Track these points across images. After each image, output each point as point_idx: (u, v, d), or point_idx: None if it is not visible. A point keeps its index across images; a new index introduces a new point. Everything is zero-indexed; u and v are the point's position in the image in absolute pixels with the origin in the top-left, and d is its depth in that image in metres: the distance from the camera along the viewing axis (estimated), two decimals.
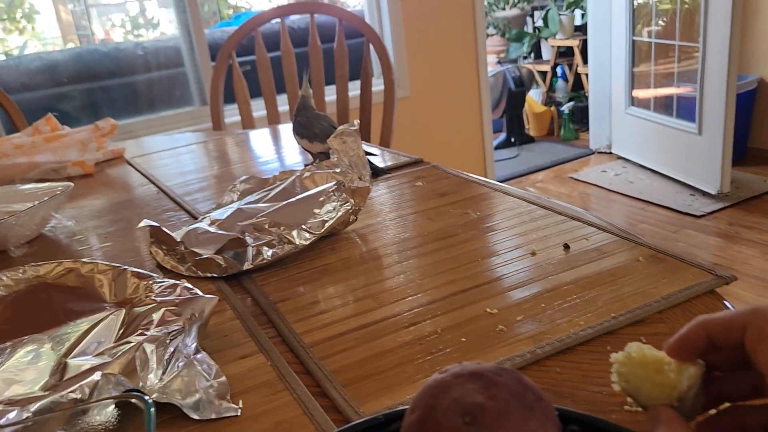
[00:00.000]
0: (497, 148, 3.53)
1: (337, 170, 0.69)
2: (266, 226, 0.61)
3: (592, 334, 0.45)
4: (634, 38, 2.88)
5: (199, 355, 0.45)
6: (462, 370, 0.28)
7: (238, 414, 0.41)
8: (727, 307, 0.47)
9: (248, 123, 1.64)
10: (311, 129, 0.93)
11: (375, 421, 0.31)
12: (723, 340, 0.28)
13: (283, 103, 1.69)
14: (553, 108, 3.77)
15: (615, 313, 0.47)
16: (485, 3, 4.07)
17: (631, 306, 0.47)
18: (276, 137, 1.29)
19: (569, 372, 0.42)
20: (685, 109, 2.62)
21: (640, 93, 2.93)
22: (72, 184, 0.84)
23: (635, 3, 2.84)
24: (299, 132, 0.94)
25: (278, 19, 1.63)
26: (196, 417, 0.41)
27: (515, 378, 0.27)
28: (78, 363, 0.41)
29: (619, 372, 0.30)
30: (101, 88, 2.35)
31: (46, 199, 0.77)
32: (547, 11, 3.78)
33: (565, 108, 3.64)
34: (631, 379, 0.29)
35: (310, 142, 0.93)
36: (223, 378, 0.44)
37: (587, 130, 3.39)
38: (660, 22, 2.73)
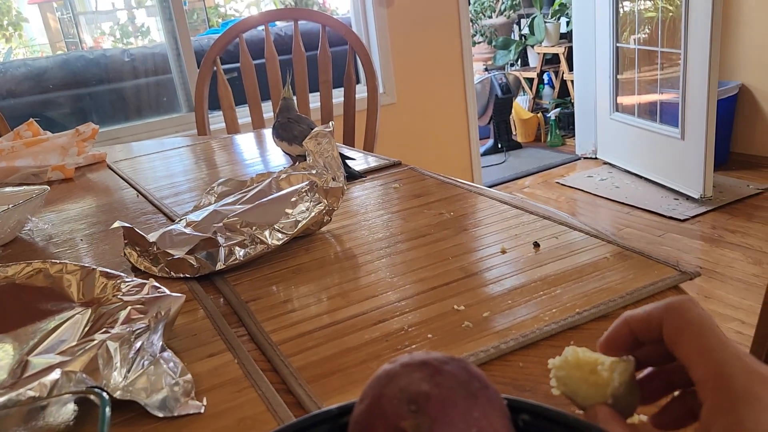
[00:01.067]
0: (485, 154, 3.55)
1: (313, 171, 0.69)
2: (238, 226, 0.61)
3: (556, 329, 0.45)
4: (618, 45, 2.92)
5: (165, 354, 0.45)
6: (410, 359, 0.28)
7: (202, 411, 0.41)
8: None
9: (233, 129, 1.64)
10: (291, 131, 0.93)
11: (329, 414, 0.31)
12: (644, 335, 0.28)
13: (268, 110, 1.69)
14: (539, 114, 3.80)
15: (580, 308, 0.47)
16: (472, 11, 4.11)
17: (596, 302, 0.48)
18: (260, 141, 1.29)
19: (532, 366, 0.42)
20: (669, 114, 2.65)
21: (624, 99, 2.97)
22: (48, 187, 0.84)
23: (619, 11, 2.88)
24: (279, 135, 0.94)
25: (263, 26, 1.64)
26: (159, 415, 0.41)
27: (462, 367, 0.27)
28: (39, 361, 0.41)
29: (556, 376, 0.31)
30: (88, 94, 2.35)
31: (21, 202, 0.77)
32: (533, 19, 3.82)
33: (552, 114, 3.67)
34: (568, 382, 0.30)
35: (290, 144, 0.94)
36: (189, 376, 0.44)
37: (573, 136, 3.42)
38: (645, 29, 2.76)
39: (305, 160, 0.97)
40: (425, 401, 0.26)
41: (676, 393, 0.31)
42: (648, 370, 0.31)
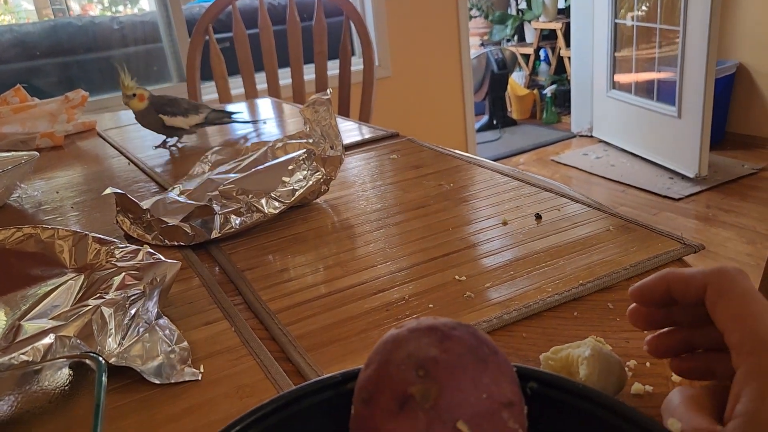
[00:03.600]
0: (479, 130, 3.53)
1: (310, 140, 0.68)
2: (234, 194, 0.60)
3: (560, 300, 0.44)
4: (617, 21, 2.88)
5: (160, 321, 0.44)
6: (418, 325, 0.27)
7: (199, 378, 0.40)
8: None
9: (225, 99, 1.61)
10: (179, 106, 0.96)
11: (333, 380, 0.30)
12: (680, 295, 0.28)
13: (261, 81, 1.66)
14: (535, 91, 3.78)
15: (583, 280, 0.46)
16: None
17: (599, 273, 0.47)
18: (253, 111, 1.27)
19: (535, 337, 0.41)
20: (666, 92, 2.64)
21: (621, 77, 2.95)
22: (38, 153, 0.82)
23: None
24: (169, 112, 0.95)
25: None
26: (156, 382, 0.40)
27: (470, 332, 0.26)
28: (32, 326, 0.40)
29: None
30: (76, 62, 2.30)
31: (9, 167, 0.75)
32: None
33: (548, 91, 3.64)
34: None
35: (185, 116, 0.96)
36: (185, 343, 0.43)
37: (569, 113, 3.40)
38: (643, 6, 2.73)
39: (203, 126, 1.00)
40: (434, 366, 0.25)
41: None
42: (667, 329, 0.31)
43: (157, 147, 1.00)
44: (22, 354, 0.35)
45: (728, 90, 2.85)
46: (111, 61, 2.31)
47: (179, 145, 1.01)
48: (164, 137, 1.01)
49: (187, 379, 0.40)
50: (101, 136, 1.14)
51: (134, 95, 0.94)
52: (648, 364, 0.37)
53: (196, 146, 1.00)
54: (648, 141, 2.77)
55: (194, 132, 1.01)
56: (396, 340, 0.26)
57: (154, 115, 0.95)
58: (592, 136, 3.22)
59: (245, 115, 1.22)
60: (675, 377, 0.36)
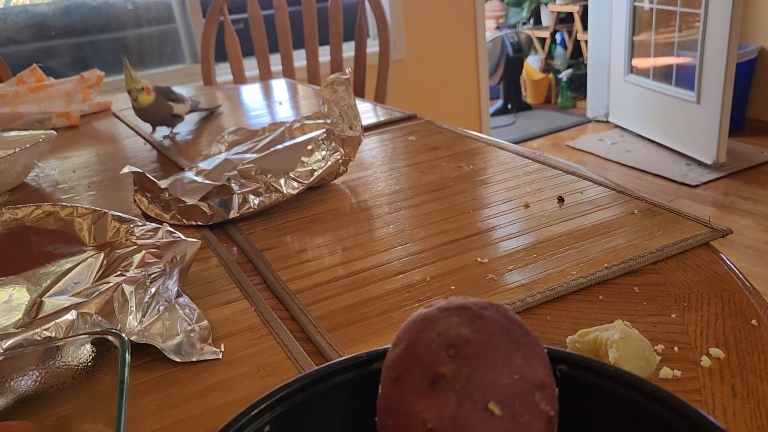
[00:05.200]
0: (494, 114, 3.49)
1: (327, 121, 0.67)
2: (253, 173, 0.60)
3: (584, 283, 0.44)
4: (635, 4, 2.82)
5: (180, 299, 0.44)
6: (448, 304, 0.26)
7: (220, 357, 0.40)
8: (723, 260, 0.46)
9: (240, 80, 1.60)
10: (176, 94, 0.96)
11: (358, 359, 0.30)
12: None
13: (276, 62, 1.65)
14: (551, 75, 3.72)
15: (608, 263, 0.46)
16: None
17: (624, 257, 0.46)
18: (267, 92, 1.26)
19: (559, 320, 0.41)
20: (685, 77, 2.58)
21: (639, 62, 2.89)
22: (55, 132, 0.82)
23: None
24: (174, 99, 0.94)
25: None
26: (176, 359, 0.40)
27: (501, 312, 0.26)
28: (54, 302, 0.40)
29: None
30: (90, 42, 2.30)
31: (27, 146, 0.75)
32: None
33: (564, 75, 3.59)
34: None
35: (183, 104, 0.96)
36: (205, 322, 0.43)
37: (585, 98, 3.35)
38: None
39: (188, 113, 1.00)
40: (465, 346, 0.24)
41: None
42: None
43: (169, 138, 0.99)
44: (45, 330, 0.35)
45: (749, 75, 2.79)
46: (125, 41, 2.31)
47: (176, 135, 0.98)
48: (165, 128, 0.99)
49: (207, 357, 0.40)
50: (116, 116, 1.14)
51: (142, 89, 0.90)
52: (676, 348, 0.37)
53: (210, 128, 1.00)
54: (665, 127, 2.72)
55: (183, 120, 0.99)
56: (425, 319, 0.26)
57: (165, 104, 0.92)
58: (608, 122, 3.17)
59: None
60: (704, 362, 0.35)
